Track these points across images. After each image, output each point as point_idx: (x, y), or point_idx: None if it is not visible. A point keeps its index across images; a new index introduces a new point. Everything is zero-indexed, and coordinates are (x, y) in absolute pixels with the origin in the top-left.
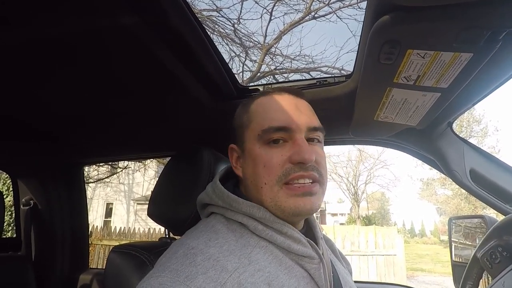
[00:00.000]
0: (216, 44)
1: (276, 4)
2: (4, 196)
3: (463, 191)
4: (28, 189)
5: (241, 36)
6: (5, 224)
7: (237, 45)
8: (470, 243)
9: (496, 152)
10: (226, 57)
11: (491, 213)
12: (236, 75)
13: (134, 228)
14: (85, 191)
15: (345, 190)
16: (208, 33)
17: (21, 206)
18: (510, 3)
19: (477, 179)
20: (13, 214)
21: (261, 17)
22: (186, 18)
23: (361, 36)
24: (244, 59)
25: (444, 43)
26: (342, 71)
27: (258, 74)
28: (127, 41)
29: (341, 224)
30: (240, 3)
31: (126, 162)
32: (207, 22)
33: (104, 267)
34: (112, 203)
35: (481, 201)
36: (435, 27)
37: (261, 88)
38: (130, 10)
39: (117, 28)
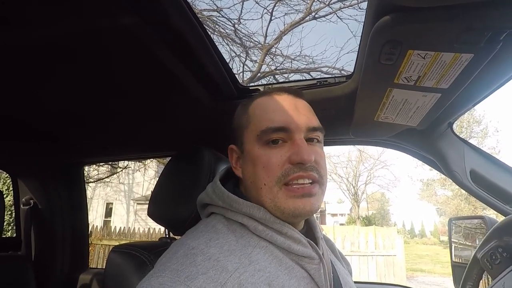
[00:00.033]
0: (216, 44)
1: (277, 5)
2: (4, 196)
3: (463, 191)
4: (28, 189)
5: (241, 36)
6: (5, 223)
7: (238, 45)
8: (470, 243)
9: (496, 153)
10: (226, 57)
11: (490, 213)
12: (236, 75)
13: (134, 228)
14: (85, 191)
15: (345, 191)
16: (209, 33)
17: (21, 206)
18: (510, 4)
19: (477, 179)
20: (13, 213)
21: (261, 17)
22: (186, 17)
23: (361, 36)
24: (244, 59)
25: (444, 44)
26: (343, 72)
27: (259, 74)
28: (127, 41)
29: (341, 224)
30: (241, 3)
31: (126, 162)
32: (208, 22)
33: (104, 267)
34: (112, 203)
35: (481, 202)
36: (436, 28)
37: (261, 88)
38: (130, 10)
39: (117, 28)
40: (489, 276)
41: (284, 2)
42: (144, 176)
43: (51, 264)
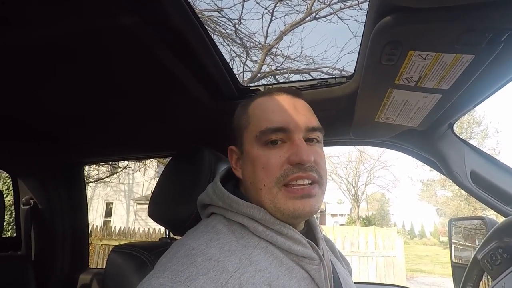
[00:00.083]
0: (217, 44)
1: (277, 5)
2: (4, 196)
3: (463, 192)
4: (28, 189)
5: (242, 36)
6: (5, 223)
7: (238, 45)
8: (470, 244)
9: (497, 153)
10: (227, 57)
11: (490, 214)
12: (237, 75)
13: (134, 228)
14: (85, 191)
15: (345, 191)
16: (209, 33)
17: (21, 206)
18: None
19: (477, 180)
20: (13, 213)
21: (262, 17)
22: (187, 17)
23: (362, 37)
24: (245, 60)
25: (445, 45)
26: (343, 72)
27: (259, 74)
28: (127, 41)
29: (341, 225)
30: (241, 3)
31: (126, 162)
32: (208, 22)
33: (104, 267)
34: (112, 203)
35: (482, 203)
36: (437, 29)
37: (262, 89)
38: (130, 10)
39: (117, 28)
40: (489, 277)
41: (285, 3)
42: (144, 176)
43: (51, 264)
